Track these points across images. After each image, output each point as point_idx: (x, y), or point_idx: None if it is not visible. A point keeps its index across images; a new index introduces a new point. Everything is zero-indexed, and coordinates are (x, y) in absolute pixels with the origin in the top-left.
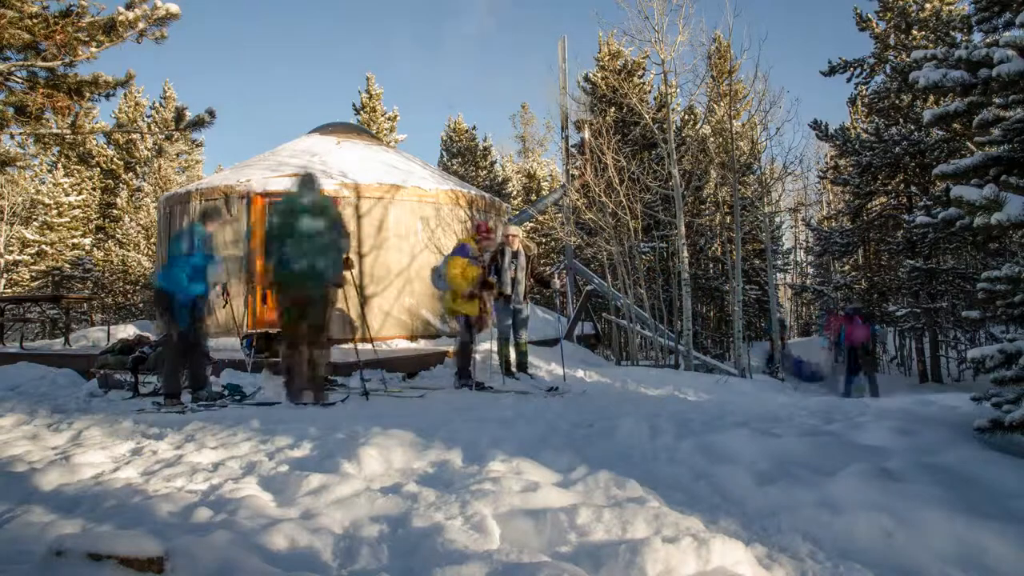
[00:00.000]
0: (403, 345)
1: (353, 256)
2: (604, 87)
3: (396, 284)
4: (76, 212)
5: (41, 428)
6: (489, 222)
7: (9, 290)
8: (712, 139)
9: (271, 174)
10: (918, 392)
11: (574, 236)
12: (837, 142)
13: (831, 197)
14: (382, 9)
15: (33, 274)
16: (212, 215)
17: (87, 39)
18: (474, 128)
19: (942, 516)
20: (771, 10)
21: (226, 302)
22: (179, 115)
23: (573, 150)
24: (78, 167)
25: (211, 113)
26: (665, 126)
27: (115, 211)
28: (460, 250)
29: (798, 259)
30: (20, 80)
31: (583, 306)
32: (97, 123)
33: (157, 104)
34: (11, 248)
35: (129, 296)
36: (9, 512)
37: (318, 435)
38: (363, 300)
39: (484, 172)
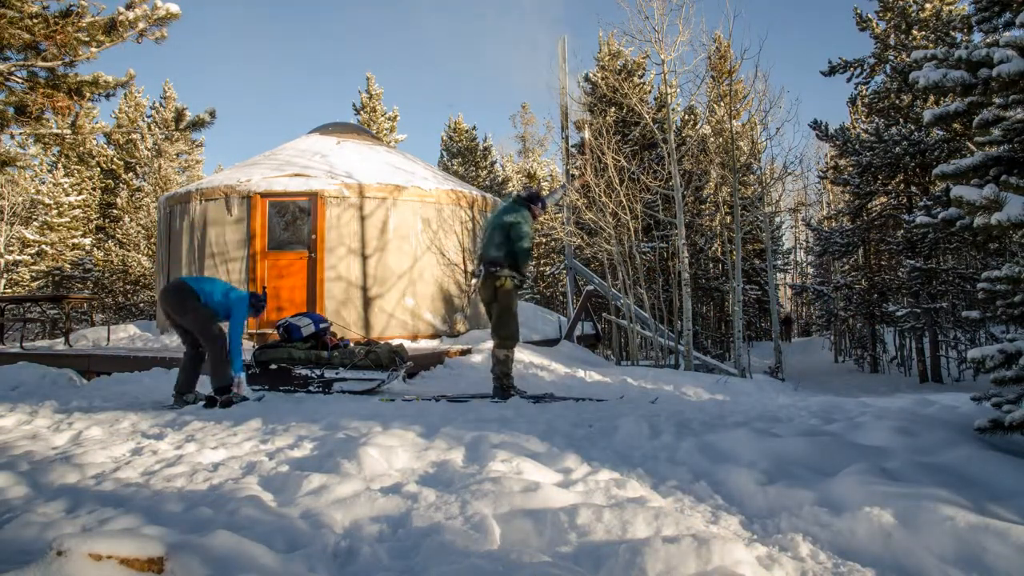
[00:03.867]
0: (406, 345)
1: (356, 258)
2: (604, 87)
3: (399, 286)
4: (76, 212)
5: (42, 428)
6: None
7: (9, 290)
8: (712, 139)
9: (272, 174)
10: (918, 392)
11: (574, 236)
12: (837, 142)
13: (831, 197)
14: (383, 9)
15: (33, 274)
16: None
17: (87, 39)
18: (474, 128)
19: (942, 516)
20: (771, 10)
21: None
22: (179, 115)
23: (573, 150)
24: (78, 167)
25: (211, 113)
26: (665, 126)
27: (115, 211)
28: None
29: (798, 259)
30: (20, 80)
31: (583, 306)
32: (97, 123)
33: (157, 104)
34: (11, 248)
35: (130, 296)
36: (9, 512)
37: (318, 435)
38: (366, 301)
39: (484, 172)
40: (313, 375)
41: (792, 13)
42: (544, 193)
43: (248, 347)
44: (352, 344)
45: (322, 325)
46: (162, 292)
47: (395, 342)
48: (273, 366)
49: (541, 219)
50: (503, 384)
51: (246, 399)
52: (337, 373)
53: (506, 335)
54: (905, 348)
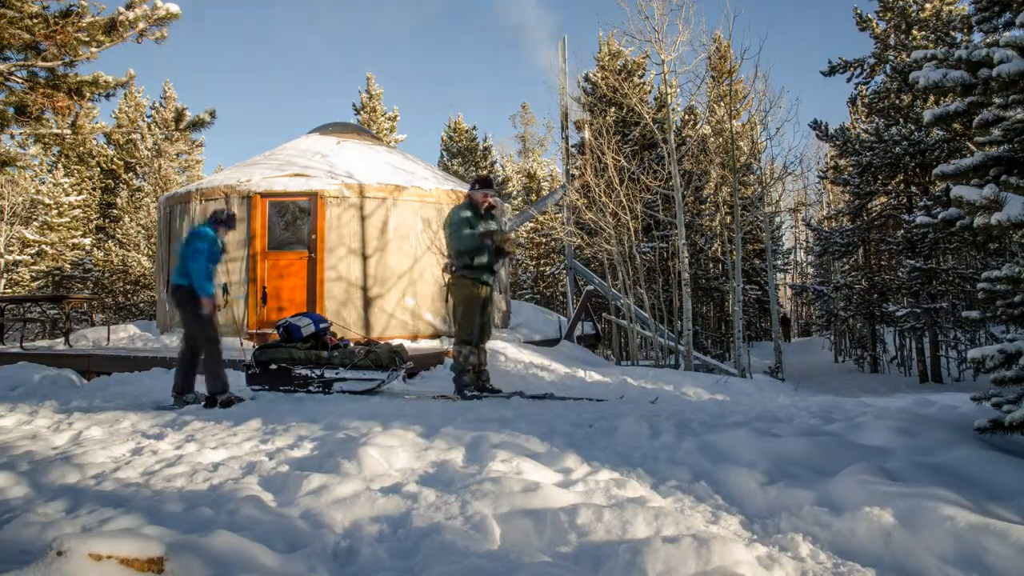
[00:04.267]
0: (406, 345)
1: (356, 258)
2: (604, 87)
3: (399, 286)
4: (76, 212)
5: (42, 428)
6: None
7: (9, 290)
8: (712, 139)
9: (272, 174)
10: (918, 392)
11: (574, 236)
12: (837, 142)
13: (831, 197)
14: (383, 8)
15: (33, 274)
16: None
17: (87, 39)
18: (474, 128)
19: (942, 516)
20: (771, 10)
21: (226, 302)
22: (179, 115)
23: (573, 150)
24: (78, 167)
25: (211, 113)
26: (665, 126)
27: (115, 211)
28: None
29: (798, 259)
30: (20, 80)
31: (583, 306)
32: (97, 123)
33: (157, 104)
34: (11, 248)
35: (130, 296)
36: (9, 512)
37: (318, 435)
38: (366, 301)
39: (484, 172)
40: (313, 375)
41: (792, 13)
42: (486, 174)
43: (248, 347)
44: (352, 344)
45: (322, 325)
46: (168, 294)
47: (395, 342)
48: (273, 366)
49: (541, 219)
50: (458, 383)
51: (241, 400)
52: (337, 373)
53: (461, 335)
54: (905, 348)
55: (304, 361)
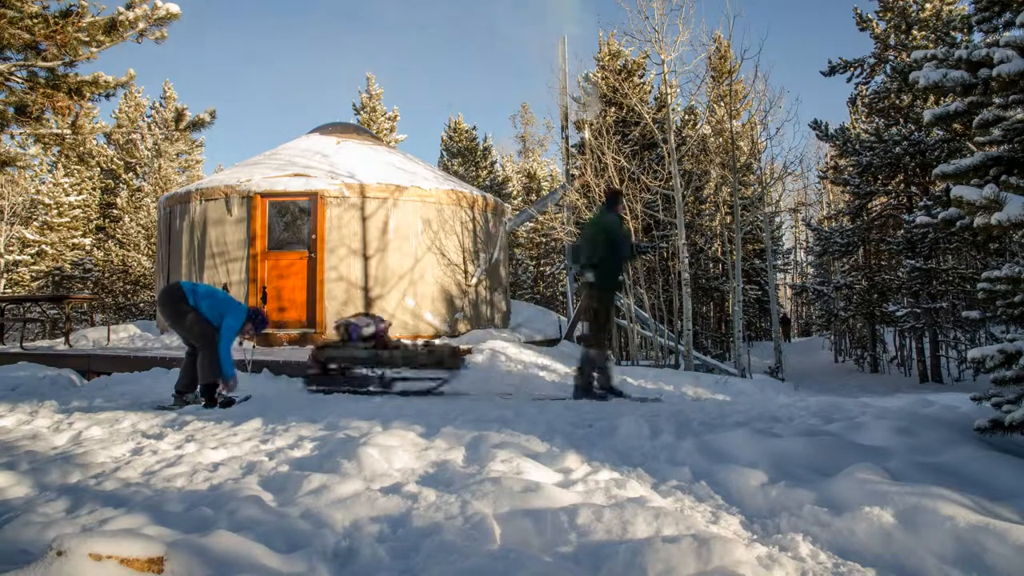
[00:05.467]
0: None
1: (357, 258)
2: (604, 87)
3: (399, 286)
4: (76, 212)
5: (42, 428)
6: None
7: (9, 290)
8: (712, 139)
9: (272, 174)
10: (918, 392)
11: (574, 236)
12: (837, 142)
13: (831, 197)
14: (383, 8)
15: (33, 274)
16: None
17: (87, 39)
18: (474, 128)
19: (942, 516)
20: (771, 10)
21: None
22: (179, 115)
23: (573, 150)
24: (78, 167)
25: (211, 113)
26: (665, 126)
27: (115, 211)
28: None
29: (798, 259)
30: (20, 80)
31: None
32: (97, 123)
33: (157, 104)
34: (11, 248)
35: (130, 296)
36: (10, 512)
37: (319, 435)
38: (367, 302)
39: (484, 172)
40: (373, 375)
41: (792, 13)
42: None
43: (248, 347)
44: (410, 343)
45: (381, 326)
46: (158, 296)
47: (420, 341)
48: (333, 366)
49: (541, 219)
50: (581, 384)
51: (248, 398)
52: (398, 373)
53: (588, 337)
54: (905, 348)
55: (366, 361)
